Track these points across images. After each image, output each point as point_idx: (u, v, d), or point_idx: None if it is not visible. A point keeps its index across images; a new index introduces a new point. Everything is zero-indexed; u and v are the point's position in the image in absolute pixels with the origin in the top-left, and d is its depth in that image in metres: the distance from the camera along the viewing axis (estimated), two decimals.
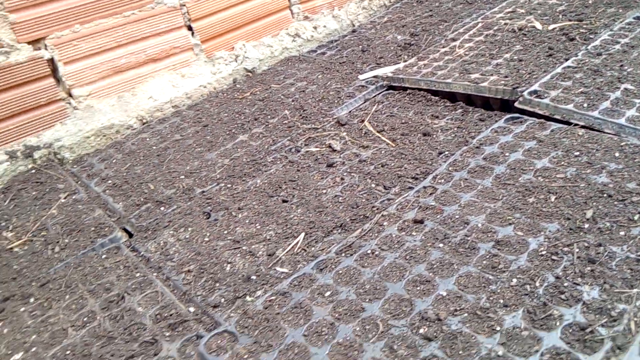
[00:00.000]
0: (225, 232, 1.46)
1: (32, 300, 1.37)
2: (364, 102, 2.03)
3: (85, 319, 1.26)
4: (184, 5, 2.27)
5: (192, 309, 1.23)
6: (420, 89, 1.96)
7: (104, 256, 1.48)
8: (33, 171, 1.94)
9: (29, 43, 1.92)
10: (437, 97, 1.91)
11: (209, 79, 2.34)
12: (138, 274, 1.38)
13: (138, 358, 1.11)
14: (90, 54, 2.06)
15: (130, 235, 1.58)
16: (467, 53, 2.09)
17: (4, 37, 1.84)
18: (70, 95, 2.06)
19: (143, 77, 2.22)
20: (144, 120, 2.18)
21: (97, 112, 2.09)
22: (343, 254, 1.21)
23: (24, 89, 1.94)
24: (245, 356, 0.99)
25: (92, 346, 1.17)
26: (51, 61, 1.99)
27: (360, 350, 0.94)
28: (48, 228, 1.63)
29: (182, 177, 1.77)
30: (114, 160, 1.94)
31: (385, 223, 1.27)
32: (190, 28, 2.32)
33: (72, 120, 2.04)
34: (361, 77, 2.22)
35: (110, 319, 1.24)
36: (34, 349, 1.20)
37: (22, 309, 1.34)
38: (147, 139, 2.05)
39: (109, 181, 1.82)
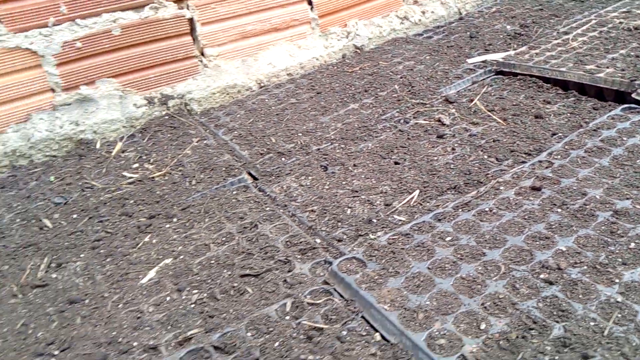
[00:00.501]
0: (344, 182, 1.61)
1: (175, 220, 1.59)
2: (472, 84, 2.12)
3: (224, 239, 1.46)
4: None
5: (318, 240, 1.39)
6: (531, 76, 2.02)
7: (234, 192, 1.68)
8: (166, 117, 2.19)
9: (174, 2, 2.17)
10: (548, 85, 1.96)
11: (322, 52, 2.51)
12: (267, 208, 1.56)
13: (275, 271, 1.29)
14: (224, 18, 2.28)
15: (255, 179, 1.78)
16: (580, 46, 2.11)
17: None
18: (202, 54, 2.29)
19: (265, 44, 2.42)
20: (262, 84, 2.38)
21: (223, 71, 2.31)
22: (460, 210, 1.32)
23: (166, 43, 2.19)
24: (375, 277, 1.14)
25: (233, 259, 1.36)
26: (190, 21, 2.23)
27: (484, 285, 1.06)
28: (184, 165, 1.86)
29: (300, 134, 1.94)
30: (238, 115, 2.16)
31: (501, 188, 1.37)
32: (310, 2, 2.49)
33: (201, 76, 2.28)
34: (469, 60, 2.30)
35: (246, 240, 1.43)
36: (181, 257, 1.42)
37: (167, 226, 1.57)
38: (266, 100, 2.25)
39: (235, 132, 2.03)
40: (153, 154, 1.95)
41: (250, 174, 1.80)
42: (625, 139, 1.45)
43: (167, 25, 2.17)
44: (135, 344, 1.14)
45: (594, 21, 2.36)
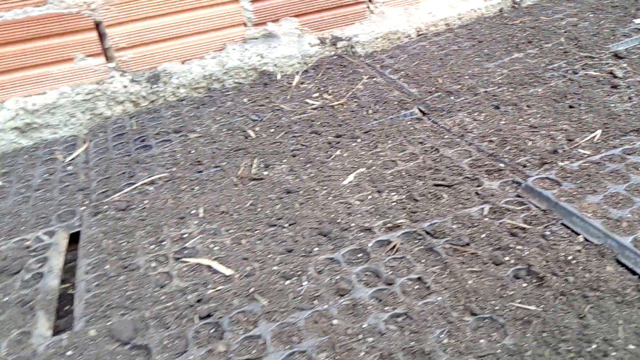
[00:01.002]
0: (519, 119, 1.73)
1: (359, 140, 1.81)
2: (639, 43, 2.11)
3: (408, 157, 1.65)
4: None
5: (501, 165, 1.54)
6: None
7: (409, 122, 1.87)
8: (335, 57, 2.41)
9: None
10: None
11: (480, 4, 2.58)
12: (445, 136, 1.73)
13: (465, 185, 1.46)
14: None
15: (424, 114, 1.94)
16: None
17: None
18: (370, 0, 2.46)
19: None
20: (420, 32, 2.52)
21: (387, 18, 2.48)
22: None
23: None
24: (573, 193, 1.27)
25: (422, 172, 1.55)
26: None
27: None
28: (358, 97, 2.07)
29: (466, 77, 2.07)
30: (401, 59, 2.32)
31: None
32: None
33: (367, 21, 2.46)
34: (636, 21, 2.27)
35: (431, 160, 1.62)
36: (373, 168, 1.63)
37: (354, 144, 1.79)
38: (427, 47, 2.39)
39: (401, 72, 2.20)
40: (329, 87, 2.18)
41: (420, 110, 1.97)
42: None
43: None
44: (352, 224, 1.37)
45: None
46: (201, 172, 1.74)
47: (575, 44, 2.16)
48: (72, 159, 1.97)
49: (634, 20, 2.28)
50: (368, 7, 2.47)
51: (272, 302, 1.13)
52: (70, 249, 1.56)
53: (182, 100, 2.24)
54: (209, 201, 1.57)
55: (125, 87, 2.16)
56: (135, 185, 1.72)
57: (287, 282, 1.19)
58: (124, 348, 1.10)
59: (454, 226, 1.29)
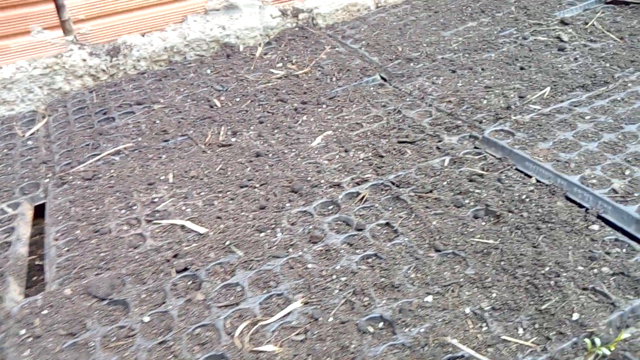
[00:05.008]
0: (475, 81, 1.82)
1: (324, 106, 1.85)
2: (584, 11, 2.24)
3: (372, 119, 1.71)
4: None
5: (459, 122, 1.62)
6: None
7: (372, 88, 1.93)
8: (297, 29, 2.44)
9: None
10: None
11: None
12: (407, 99, 1.80)
13: (427, 141, 1.53)
14: None
15: (385, 80, 2.01)
16: None
17: None
18: None
19: None
20: (379, 5, 2.57)
21: None
22: (594, 99, 1.51)
23: None
24: (526, 141, 1.37)
25: (387, 132, 1.62)
26: None
27: (624, 147, 1.27)
28: (322, 66, 2.11)
29: (424, 45, 2.15)
30: (362, 29, 2.37)
31: (629, 85, 1.55)
32: None
33: None
34: None
35: (394, 121, 1.68)
36: (339, 130, 1.68)
37: (319, 110, 1.83)
38: (386, 17, 2.45)
39: (362, 42, 2.25)
40: (293, 57, 2.21)
41: (382, 76, 2.03)
42: None
43: None
44: (322, 181, 1.42)
45: None
46: (168, 141, 1.75)
47: (525, 12, 2.27)
48: (32, 134, 1.92)
49: None
50: None
51: (248, 252, 1.17)
52: (35, 224, 1.54)
53: (143, 74, 2.21)
54: (178, 167, 1.58)
55: (84, 60, 2.11)
56: (100, 155, 1.70)
57: (262, 234, 1.23)
58: (101, 304, 1.11)
59: (418, 177, 1.36)
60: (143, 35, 2.22)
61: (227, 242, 1.20)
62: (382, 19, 2.43)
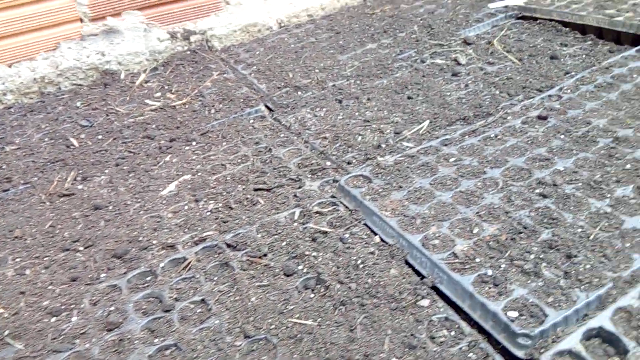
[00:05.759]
0: (357, 114, 1.66)
1: (194, 143, 1.67)
2: (492, 28, 2.11)
3: (240, 160, 1.54)
4: None
5: (328, 163, 1.46)
6: (551, 20, 2.00)
7: (251, 121, 1.75)
8: (188, 52, 2.25)
9: None
10: (567, 29, 1.94)
11: None
12: (282, 135, 1.63)
13: (286, 187, 1.37)
14: None
15: (271, 110, 1.84)
16: None
17: None
18: None
19: None
20: (282, 24, 2.41)
21: (245, 10, 2.34)
22: (467, 136, 1.37)
23: None
24: (380, 191, 1.21)
25: (247, 176, 1.45)
26: None
27: (481, 197, 1.12)
28: (204, 95, 1.93)
29: (317, 71, 1.98)
30: (257, 52, 2.20)
31: (509, 117, 1.41)
32: None
33: (224, 13, 2.32)
34: (491, 5, 2.28)
35: (261, 161, 1.51)
36: (199, 174, 1.50)
37: (187, 148, 1.65)
38: (286, 39, 2.28)
39: (254, 67, 2.08)
40: (175, 85, 2.02)
41: (267, 106, 1.86)
42: (635, 76, 1.46)
43: None
44: (154, 242, 1.24)
45: None
46: (8, 190, 1.54)
47: (428, 32, 2.13)
48: None
49: (489, 4, 2.29)
50: None
51: (29, 345, 0.98)
52: None
53: (9, 108, 1.99)
54: (4, 225, 1.38)
55: None
56: None
57: (54, 319, 1.03)
58: None
59: (259, 235, 1.19)
60: (10, 67, 2.00)
61: (7, 332, 1.00)
62: (281, 41, 2.27)
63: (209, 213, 1.32)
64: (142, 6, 2.16)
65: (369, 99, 1.74)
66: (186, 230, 1.27)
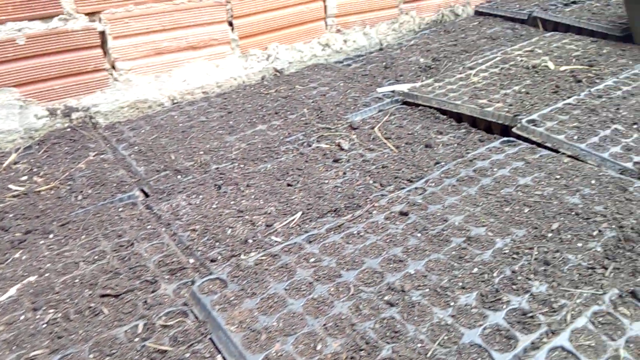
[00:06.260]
0: (232, 202, 1.61)
1: (51, 236, 1.53)
2: (378, 112, 2.19)
3: (96, 257, 1.42)
4: (229, 2, 2.47)
5: (191, 260, 1.37)
6: (431, 107, 2.11)
7: (120, 209, 1.64)
8: (68, 130, 2.13)
9: (86, 14, 2.13)
10: (445, 116, 2.05)
11: (240, 72, 2.53)
12: (149, 227, 1.53)
13: (137, 292, 1.25)
14: (138, 33, 2.27)
15: (147, 196, 1.74)
16: (480, 81, 2.23)
17: (66, 6, 2.06)
18: (113, 67, 2.26)
19: (181, 61, 2.42)
20: (175, 101, 2.37)
21: (134, 86, 2.28)
22: (332, 232, 1.35)
23: (74, 55, 2.14)
24: (232, 299, 1.13)
25: (99, 278, 1.32)
26: (102, 34, 2.20)
27: (331, 305, 1.07)
28: (74, 179, 1.80)
29: (202, 153, 1.93)
30: (143, 131, 2.12)
31: (374, 212, 1.41)
32: (231, 24, 2.52)
33: (111, 89, 2.24)
34: (379, 89, 2.38)
35: (118, 259, 1.40)
36: (47, 275, 1.36)
37: (42, 242, 1.51)
38: (175, 117, 2.23)
39: (136, 147, 1.99)
40: (45, 167, 1.88)
41: (142, 190, 1.77)
42: (495, 170, 1.53)
43: (76, 37, 2.13)
44: None
45: (498, 58, 2.50)
46: None
47: (318, 115, 2.16)
48: None
49: (377, 89, 2.39)
50: (112, 74, 2.25)
51: None
52: None
53: None
54: None
55: None
56: None
57: None
58: None
59: (90, 355, 1.06)
60: None
61: None
62: (170, 118, 2.21)
63: (44, 326, 1.18)
64: (19, 83, 2.04)
65: (248, 185, 1.70)
66: (14, 348, 1.12)
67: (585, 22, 2.79)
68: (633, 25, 2.49)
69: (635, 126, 1.68)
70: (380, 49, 2.93)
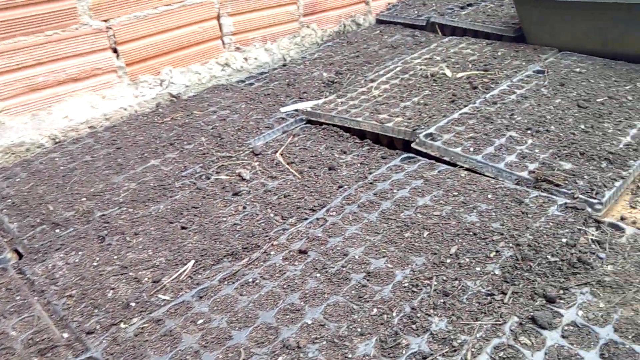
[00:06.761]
0: (115, 257, 1.44)
1: None
2: (282, 134, 2.09)
3: None
4: (110, 28, 2.27)
5: (65, 335, 1.19)
6: (334, 125, 2.04)
7: None
8: None
9: None
10: (348, 134, 1.99)
11: (131, 101, 2.33)
12: (18, 297, 1.33)
13: None
14: (6, 71, 2.02)
15: (21, 256, 1.53)
16: (381, 94, 2.20)
17: None
18: None
19: (61, 96, 2.19)
20: (57, 140, 2.13)
21: (8, 128, 2.03)
22: (225, 282, 1.22)
23: None
24: None
25: None
26: None
27: None
28: None
29: (84, 199, 1.73)
30: (18, 179, 1.88)
31: (272, 252, 1.30)
32: (115, 50, 2.32)
33: None
34: (282, 109, 2.28)
35: None
36: None
37: None
38: (57, 159, 2.00)
39: (8, 200, 1.76)
40: None
41: (16, 251, 1.55)
42: (395, 191, 1.48)
43: None
44: None
45: (398, 68, 2.49)
46: None
47: (218, 142, 2.03)
48: None
49: (280, 108, 2.29)
50: None
51: None
52: None
53: None
54: None
55: None
56: None
57: None
58: None
59: None
60: None
61: None
62: (50, 162, 1.98)
63: None
64: None
65: (136, 234, 1.53)
66: None
67: (480, 25, 2.86)
68: (524, 25, 2.58)
69: (529, 131, 1.70)
70: (284, 65, 2.84)
